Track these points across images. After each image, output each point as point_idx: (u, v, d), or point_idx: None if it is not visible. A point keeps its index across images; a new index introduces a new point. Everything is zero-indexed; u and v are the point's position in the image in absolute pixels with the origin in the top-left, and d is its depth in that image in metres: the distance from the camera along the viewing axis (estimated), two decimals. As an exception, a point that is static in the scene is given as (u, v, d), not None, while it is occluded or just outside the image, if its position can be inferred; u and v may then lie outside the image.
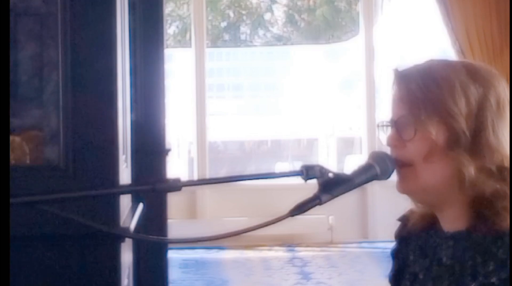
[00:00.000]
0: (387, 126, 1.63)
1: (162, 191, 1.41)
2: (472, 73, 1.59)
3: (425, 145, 1.57)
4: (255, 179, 1.53)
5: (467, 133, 1.55)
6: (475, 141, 1.55)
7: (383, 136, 1.64)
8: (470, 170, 1.54)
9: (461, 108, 1.55)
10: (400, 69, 1.65)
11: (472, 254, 1.55)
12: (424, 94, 1.57)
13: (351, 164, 8.16)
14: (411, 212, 1.73)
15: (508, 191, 1.54)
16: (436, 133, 1.56)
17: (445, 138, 1.56)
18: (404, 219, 1.75)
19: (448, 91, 1.56)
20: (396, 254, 1.75)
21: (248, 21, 9.14)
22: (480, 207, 1.55)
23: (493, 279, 1.51)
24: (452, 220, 1.60)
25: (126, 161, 2.69)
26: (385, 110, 7.89)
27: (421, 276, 1.64)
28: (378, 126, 1.66)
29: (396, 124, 1.60)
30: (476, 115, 1.56)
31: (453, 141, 1.55)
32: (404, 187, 1.61)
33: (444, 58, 1.69)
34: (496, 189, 1.54)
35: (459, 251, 1.58)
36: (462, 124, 1.55)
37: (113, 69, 2.37)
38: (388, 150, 1.63)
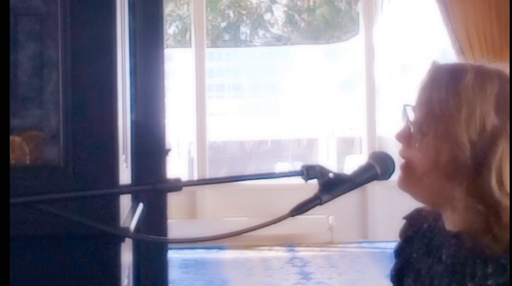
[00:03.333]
0: (407, 114, 1.59)
1: (162, 191, 1.40)
2: (500, 100, 1.51)
3: (424, 159, 1.55)
4: (255, 179, 1.53)
5: (470, 163, 1.50)
6: (476, 177, 1.50)
7: (404, 120, 1.61)
8: (460, 206, 1.53)
9: (471, 138, 1.50)
10: (437, 64, 1.59)
11: (472, 255, 1.54)
12: (441, 108, 1.53)
13: (351, 164, 8.16)
14: (417, 210, 1.73)
15: (496, 224, 1.49)
16: (437, 154, 1.53)
17: (448, 161, 1.52)
18: (410, 218, 1.74)
19: (465, 115, 1.50)
20: (399, 253, 1.74)
21: (248, 21, 9.14)
22: (472, 231, 1.54)
23: (490, 282, 1.51)
24: (454, 221, 1.60)
25: (126, 161, 2.69)
26: (385, 110, 7.85)
27: (423, 274, 1.64)
28: (404, 106, 1.61)
29: (410, 123, 1.58)
30: (487, 146, 1.50)
31: (453, 168, 1.52)
32: (403, 186, 1.60)
33: (481, 65, 1.57)
34: (485, 227, 1.50)
35: (461, 250, 1.57)
36: (467, 154, 1.50)
37: (113, 69, 2.38)
38: (388, 149, 1.63)
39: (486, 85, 1.53)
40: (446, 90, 1.53)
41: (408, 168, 1.59)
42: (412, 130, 1.58)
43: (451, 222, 1.61)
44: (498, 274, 1.50)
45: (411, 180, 1.59)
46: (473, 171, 1.51)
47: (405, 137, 1.59)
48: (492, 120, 1.50)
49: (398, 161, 1.60)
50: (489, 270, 1.51)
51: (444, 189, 1.54)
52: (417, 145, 1.56)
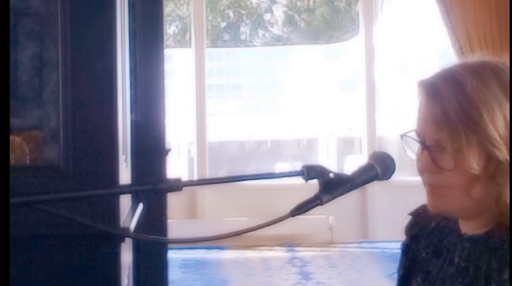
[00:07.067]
0: (416, 142, 1.55)
1: (162, 191, 1.40)
2: (504, 86, 1.50)
3: (465, 176, 1.50)
4: (255, 179, 1.53)
5: (508, 159, 1.47)
6: None
7: (408, 150, 1.57)
8: (505, 201, 1.48)
9: (501, 134, 1.48)
10: (426, 80, 1.55)
11: (488, 259, 1.52)
12: (462, 119, 1.48)
13: (351, 164, 8.16)
14: (423, 207, 1.68)
15: None
16: (477, 164, 1.49)
17: (486, 167, 1.49)
18: (416, 215, 1.72)
19: (488, 116, 1.48)
20: (406, 250, 1.72)
21: (248, 21, 9.14)
22: (503, 223, 1.51)
23: None
24: (474, 226, 1.58)
25: (126, 161, 2.69)
26: (385, 110, 7.83)
27: (433, 275, 1.62)
28: (402, 137, 1.57)
29: (431, 149, 1.53)
30: None
31: (495, 170, 1.49)
32: (438, 206, 1.57)
33: (465, 64, 1.57)
34: None
35: (475, 254, 1.55)
36: (505, 151, 1.47)
37: (113, 69, 2.37)
38: (389, 149, 1.62)
39: (487, 80, 1.51)
40: (456, 100, 1.50)
41: (441, 189, 1.54)
42: (435, 154, 1.52)
43: (469, 227, 1.58)
44: None
45: (447, 198, 1.54)
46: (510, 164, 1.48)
47: (430, 164, 1.53)
48: (507, 107, 1.49)
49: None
50: (505, 276, 1.49)
51: (493, 190, 1.50)
52: (452, 167, 1.50)
